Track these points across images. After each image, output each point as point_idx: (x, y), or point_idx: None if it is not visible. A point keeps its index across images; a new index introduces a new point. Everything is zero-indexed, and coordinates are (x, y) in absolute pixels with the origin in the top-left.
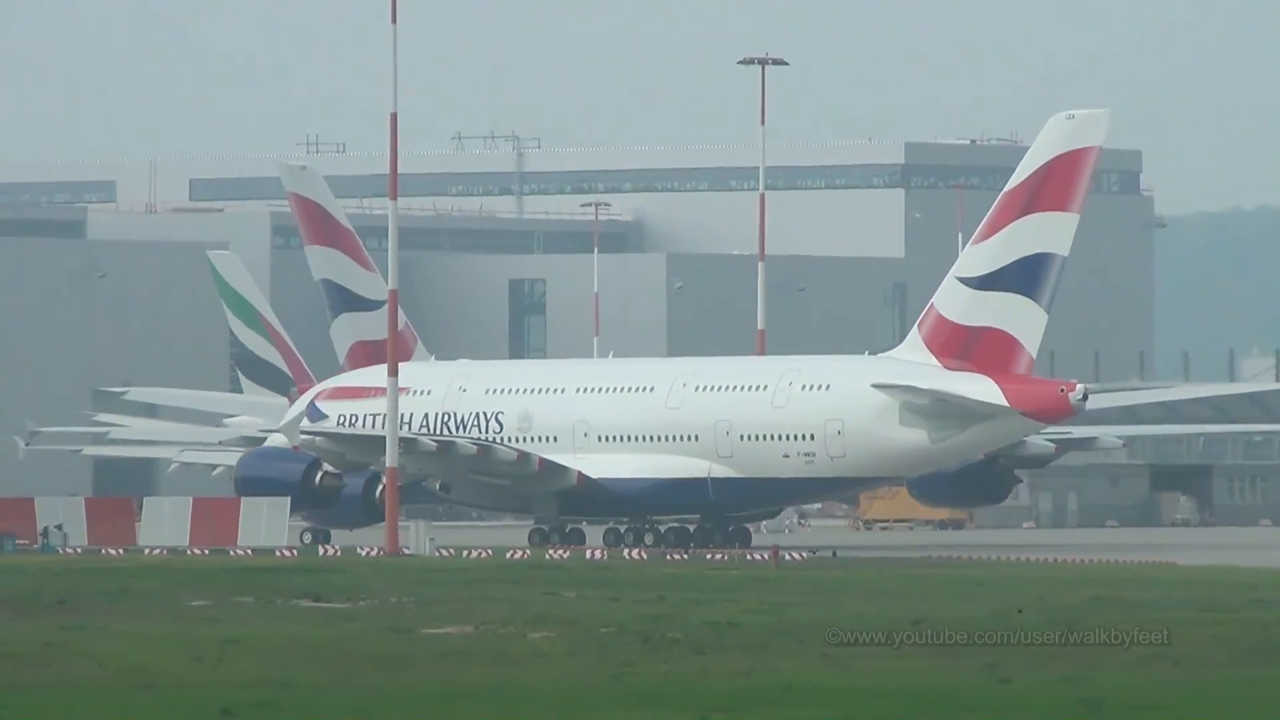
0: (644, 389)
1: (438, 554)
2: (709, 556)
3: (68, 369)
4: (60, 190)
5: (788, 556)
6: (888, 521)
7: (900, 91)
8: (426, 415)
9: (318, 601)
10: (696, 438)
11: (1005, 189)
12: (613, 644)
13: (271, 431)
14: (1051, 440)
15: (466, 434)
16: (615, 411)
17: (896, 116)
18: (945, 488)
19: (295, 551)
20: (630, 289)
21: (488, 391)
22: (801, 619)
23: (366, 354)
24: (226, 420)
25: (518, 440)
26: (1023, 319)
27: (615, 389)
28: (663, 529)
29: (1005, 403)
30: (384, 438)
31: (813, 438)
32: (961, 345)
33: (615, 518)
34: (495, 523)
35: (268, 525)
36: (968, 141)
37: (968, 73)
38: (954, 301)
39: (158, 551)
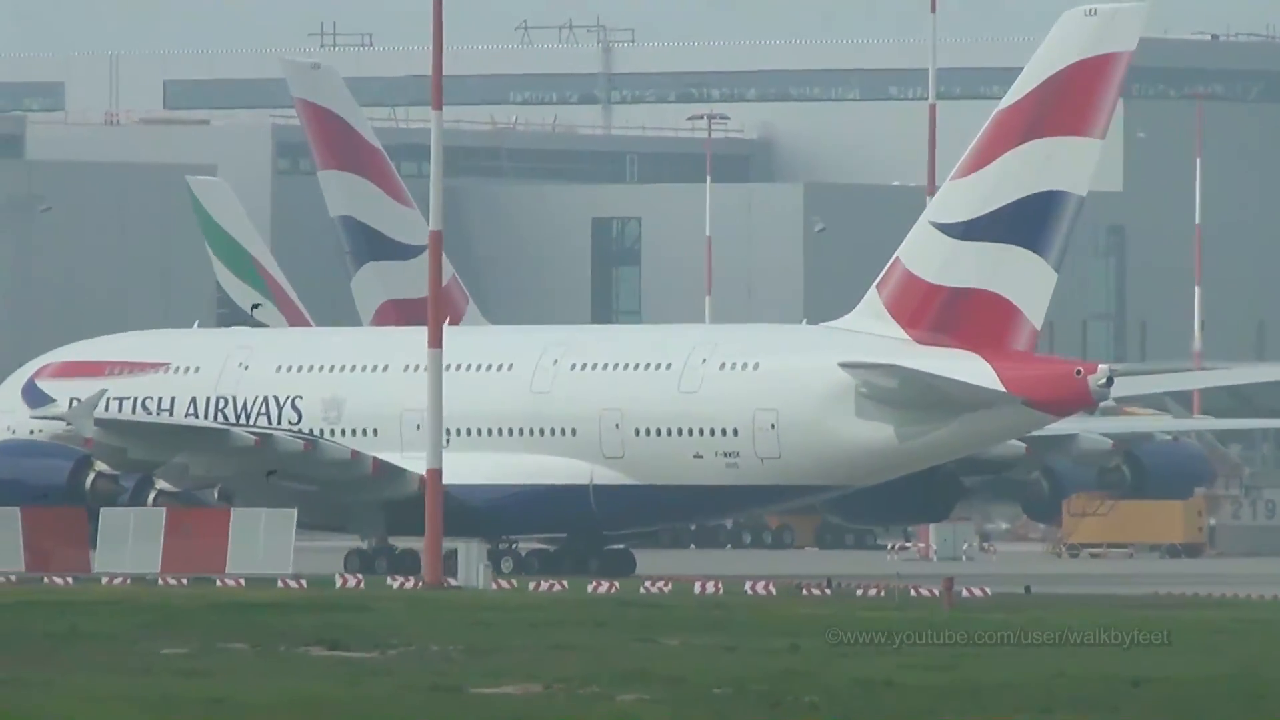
0: (499, 367)
1: (495, 585)
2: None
3: None
4: None
5: (965, 592)
6: (1100, 546)
7: None
8: (194, 400)
9: (334, 650)
10: (574, 432)
11: (1000, 105)
12: (729, 709)
13: (47, 419)
14: (1021, 439)
15: (253, 424)
16: (460, 396)
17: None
18: (863, 500)
19: (304, 582)
20: (755, 231)
21: (279, 369)
22: (981, 678)
23: (399, 315)
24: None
25: (322, 433)
26: (1023, 279)
27: (459, 366)
28: (524, 552)
29: (1001, 387)
30: (189, 429)
31: (736, 433)
32: (938, 312)
33: (461, 537)
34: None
35: (267, 545)
36: (1207, 37)
37: None
38: (929, 254)
39: (119, 580)
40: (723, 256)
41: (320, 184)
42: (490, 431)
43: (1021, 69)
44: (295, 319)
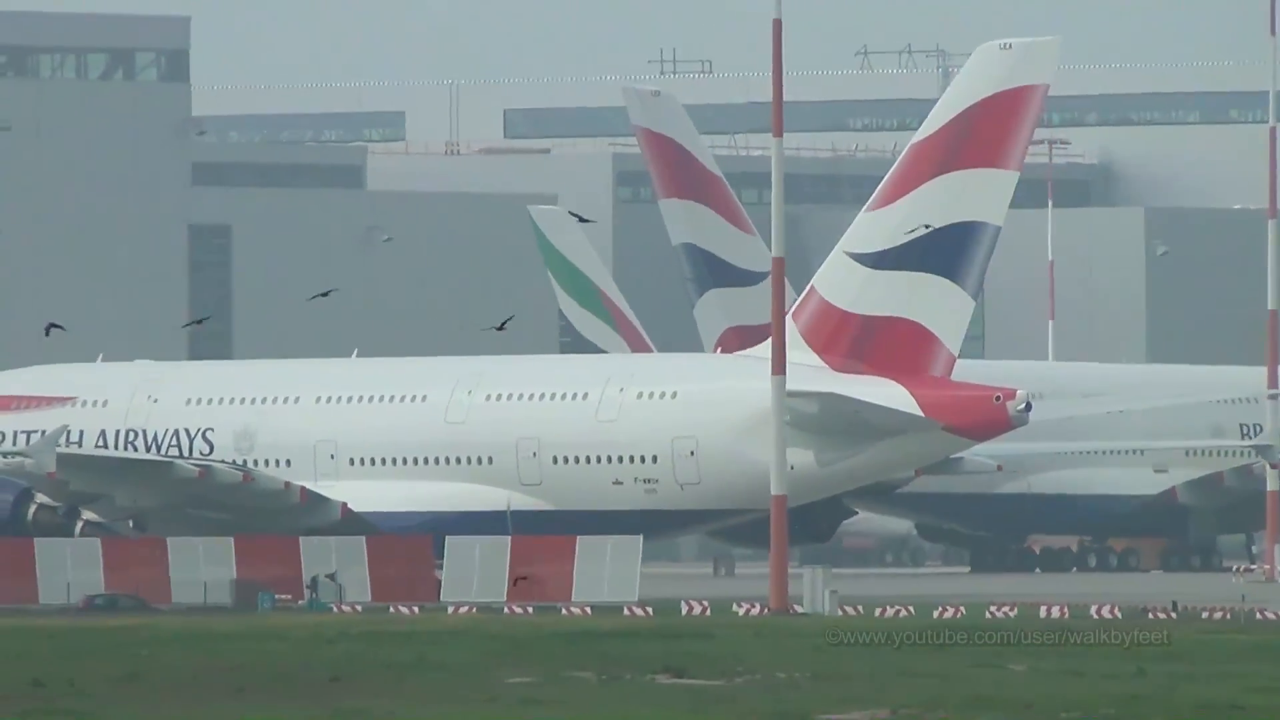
0: (412, 398)
1: (840, 611)
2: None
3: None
4: (331, 125)
5: None
6: None
7: None
8: (103, 433)
9: (680, 678)
10: (490, 460)
11: (913, 140)
12: None
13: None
14: None
15: (163, 456)
16: (373, 426)
17: None
18: (747, 524)
19: (650, 610)
20: (1096, 255)
21: (189, 401)
22: None
23: (742, 342)
24: None
25: (235, 464)
26: (940, 306)
27: (371, 398)
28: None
29: (919, 412)
30: (137, 462)
31: (655, 460)
32: (854, 340)
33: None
34: (911, 569)
35: (612, 573)
36: None
37: None
38: (844, 284)
39: (465, 609)
40: (1064, 281)
41: (662, 212)
42: (404, 460)
43: None
44: (639, 347)
